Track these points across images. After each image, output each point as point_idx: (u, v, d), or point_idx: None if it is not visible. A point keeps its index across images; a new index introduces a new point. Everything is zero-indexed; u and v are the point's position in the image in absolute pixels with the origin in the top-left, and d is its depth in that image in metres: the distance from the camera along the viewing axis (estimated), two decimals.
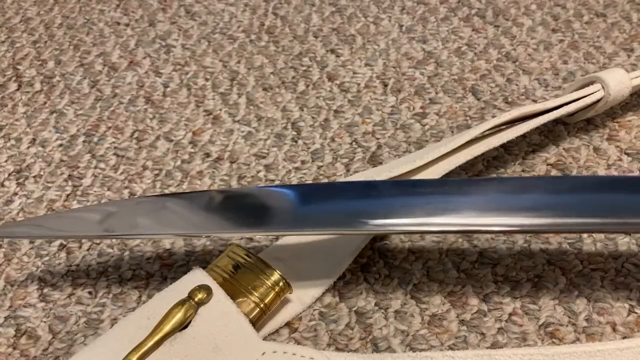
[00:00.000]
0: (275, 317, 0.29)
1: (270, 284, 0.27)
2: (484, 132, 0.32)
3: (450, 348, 0.28)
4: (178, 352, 0.25)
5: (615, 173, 0.34)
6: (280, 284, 0.27)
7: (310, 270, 0.30)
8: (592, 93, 0.34)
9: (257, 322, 0.27)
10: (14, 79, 0.43)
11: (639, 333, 0.27)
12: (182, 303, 0.26)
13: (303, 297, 0.30)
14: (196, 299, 0.26)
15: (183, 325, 0.26)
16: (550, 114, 0.33)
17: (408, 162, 0.31)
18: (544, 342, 0.28)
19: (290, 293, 0.28)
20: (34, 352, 0.28)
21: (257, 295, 0.27)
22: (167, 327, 0.25)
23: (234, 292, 0.27)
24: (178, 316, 0.25)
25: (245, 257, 0.28)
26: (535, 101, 0.38)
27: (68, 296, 0.31)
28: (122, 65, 0.44)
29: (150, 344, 0.25)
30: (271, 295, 0.27)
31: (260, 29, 0.46)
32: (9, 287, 0.31)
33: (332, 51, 0.43)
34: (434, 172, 0.31)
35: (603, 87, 0.34)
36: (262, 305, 0.27)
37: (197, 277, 0.27)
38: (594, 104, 0.35)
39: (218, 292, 0.26)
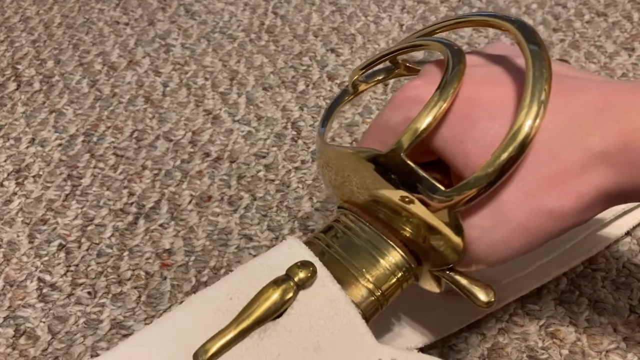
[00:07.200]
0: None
1: (389, 267, 0.20)
2: None
3: (451, 348, 0.28)
4: (268, 348, 0.19)
5: None
6: (404, 268, 0.21)
7: None
8: None
9: (370, 317, 0.21)
10: (13, 78, 0.43)
11: (637, 333, 0.27)
12: (277, 283, 0.20)
13: None
14: (296, 279, 0.20)
15: (277, 314, 0.20)
16: None
17: None
18: (545, 342, 0.27)
19: (416, 282, 0.21)
20: (33, 353, 0.28)
21: (371, 280, 0.20)
22: (256, 313, 0.19)
23: (342, 273, 0.20)
24: (272, 300, 0.19)
25: (359, 226, 0.21)
26: None
27: (67, 296, 0.30)
28: (121, 64, 0.43)
29: (233, 333, 0.19)
30: (391, 282, 0.21)
31: (260, 28, 0.46)
32: (8, 287, 0.31)
33: (332, 50, 0.43)
34: None
35: None
36: (378, 294, 0.20)
37: (293, 249, 0.21)
38: None
39: (323, 273, 0.20)
